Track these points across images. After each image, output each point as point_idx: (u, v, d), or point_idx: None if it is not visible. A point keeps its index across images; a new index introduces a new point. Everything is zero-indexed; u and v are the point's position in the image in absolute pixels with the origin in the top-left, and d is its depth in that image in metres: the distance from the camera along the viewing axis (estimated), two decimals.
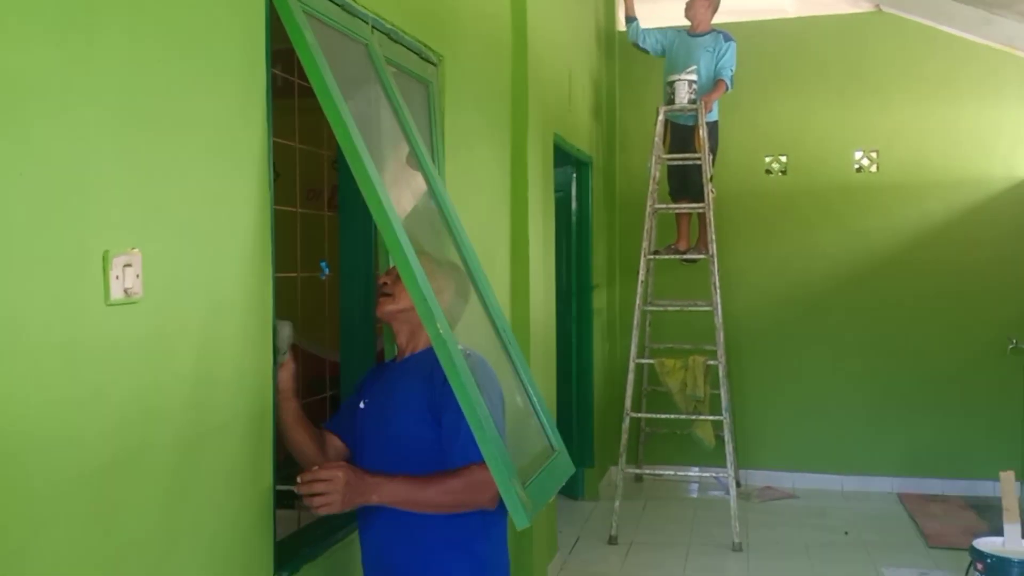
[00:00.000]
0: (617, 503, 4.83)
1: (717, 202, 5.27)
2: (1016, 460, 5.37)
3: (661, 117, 5.11)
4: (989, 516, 4.89)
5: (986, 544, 3.50)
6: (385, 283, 2.04)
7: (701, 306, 5.14)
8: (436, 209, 2.37)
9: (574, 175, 5.41)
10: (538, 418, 2.28)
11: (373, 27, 2.30)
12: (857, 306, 5.86)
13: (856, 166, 5.89)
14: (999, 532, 3.53)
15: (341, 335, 2.48)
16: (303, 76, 1.92)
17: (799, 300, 5.96)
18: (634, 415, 5.10)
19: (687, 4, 5.30)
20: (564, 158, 4.92)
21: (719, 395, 4.94)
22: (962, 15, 5.15)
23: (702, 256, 5.17)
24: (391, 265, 2.06)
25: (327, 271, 2.25)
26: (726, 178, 5.79)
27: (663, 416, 5.31)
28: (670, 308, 5.36)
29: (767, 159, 6.03)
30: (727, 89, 5.16)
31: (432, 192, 2.36)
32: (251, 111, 1.77)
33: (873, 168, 5.86)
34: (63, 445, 1.26)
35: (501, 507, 1.88)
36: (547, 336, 4.13)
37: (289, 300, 2.23)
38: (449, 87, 2.85)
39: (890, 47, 5.79)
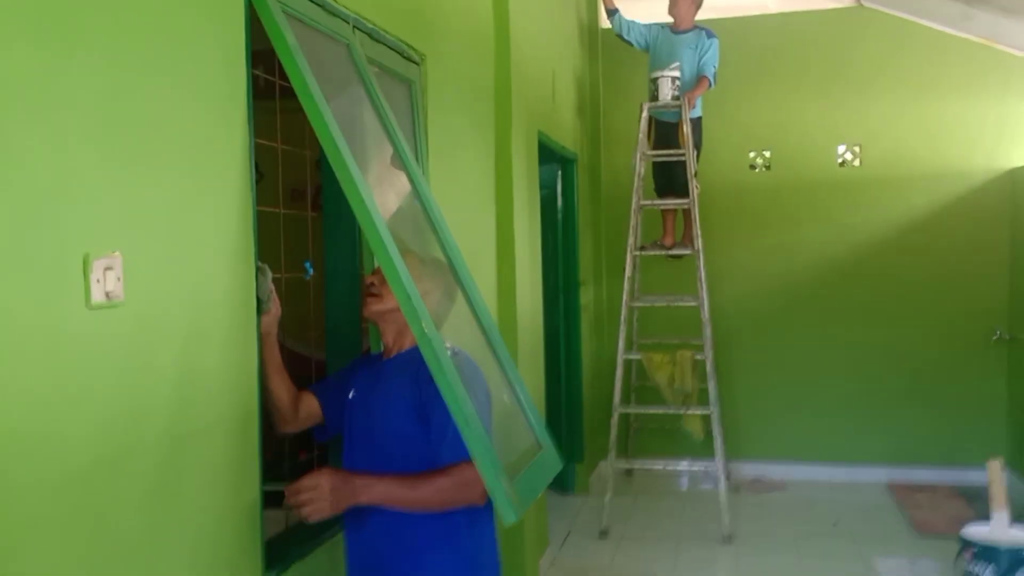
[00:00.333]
0: (607, 497, 4.85)
1: (702, 197, 5.29)
2: (1003, 448, 5.43)
3: (645, 114, 5.13)
4: (977, 504, 4.94)
5: (975, 531, 3.54)
6: (372, 283, 2.05)
7: (688, 301, 5.17)
8: (420, 208, 2.38)
9: (559, 172, 5.43)
10: (525, 415, 2.29)
11: (355, 27, 2.31)
12: (843, 298, 5.91)
13: (839, 160, 5.94)
14: (987, 519, 3.57)
15: (326, 335, 2.49)
16: (285, 77, 1.93)
17: (785, 293, 6.00)
18: (623, 410, 5.13)
19: (671, 2, 5.32)
20: (549, 155, 4.94)
21: (707, 389, 4.97)
22: (942, 10, 5.20)
23: (688, 252, 5.20)
24: (377, 265, 2.08)
25: (311, 271, 2.26)
26: (711, 174, 5.82)
27: (652, 411, 5.34)
28: (657, 304, 5.39)
29: (751, 154, 6.07)
30: (710, 86, 5.19)
31: (416, 191, 2.37)
32: (232, 112, 1.77)
33: (856, 162, 5.90)
34: (47, 445, 1.26)
35: (490, 504, 1.90)
36: (534, 333, 4.15)
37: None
38: (432, 86, 2.87)
39: (872, 42, 5.83)
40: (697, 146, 5.18)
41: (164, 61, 1.55)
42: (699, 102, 5.21)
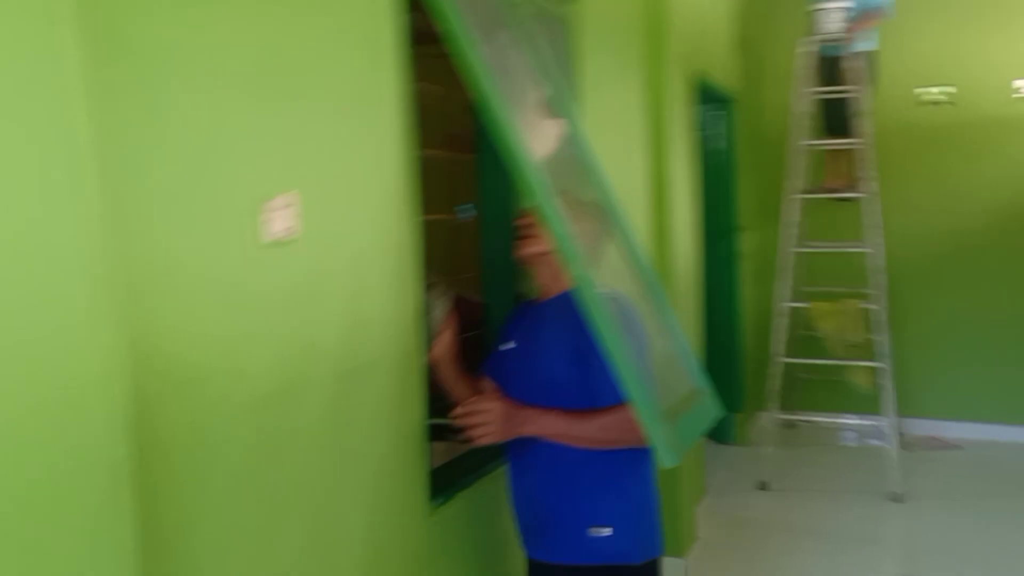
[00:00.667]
0: (768, 449, 4.72)
1: (876, 135, 4.96)
2: None
3: (810, 48, 4.84)
4: None
5: None
6: (525, 225, 2.04)
7: (854, 247, 4.89)
8: (574, 150, 2.35)
9: (718, 113, 5.24)
10: (683, 361, 2.25)
11: None
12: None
13: (1018, 95, 5.38)
14: None
15: (482, 277, 2.53)
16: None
17: (962, 238, 5.56)
18: (784, 360, 4.95)
19: None
20: (706, 95, 4.76)
21: (876, 341, 4.71)
22: None
23: (857, 195, 4.90)
24: (530, 206, 2.07)
25: (472, 213, 2.29)
26: (883, 111, 5.44)
27: (816, 362, 5.11)
28: (822, 250, 5.13)
29: (928, 90, 5.61)
30: (886, 16, 4.81)
31: (569, 132, 2.34)
32: (390, 56, 1.81)
33: None
34: (228, 377, 1.35)
35: (649, 448, 1.88)
36: (691, 279, 4.06)
37: (434, 243, 2.29)
38: (586, 24, 2.81)
39: None
40: (870, 81, 4.84)
41: (316, 20, 1.57)
42: (873, 34, 4.85)
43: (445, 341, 2.03)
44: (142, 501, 1.10)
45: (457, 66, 1.90)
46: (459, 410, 1.84)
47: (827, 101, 5.00)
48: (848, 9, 4.75)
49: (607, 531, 1.90)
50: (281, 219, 1.44)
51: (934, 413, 5.64)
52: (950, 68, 5.52)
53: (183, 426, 1.26)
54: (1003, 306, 5.50)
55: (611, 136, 3.09)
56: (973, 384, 5.57)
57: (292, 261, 1.49)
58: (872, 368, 4.78)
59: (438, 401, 2.06)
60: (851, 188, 5.03)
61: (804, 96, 4.88)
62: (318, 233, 1.55)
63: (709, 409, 2.18)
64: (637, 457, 1.96)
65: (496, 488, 2.20)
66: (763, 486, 4.68)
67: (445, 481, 2.04)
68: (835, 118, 5.01)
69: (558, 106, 2.31)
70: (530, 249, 2.02)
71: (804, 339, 5.61)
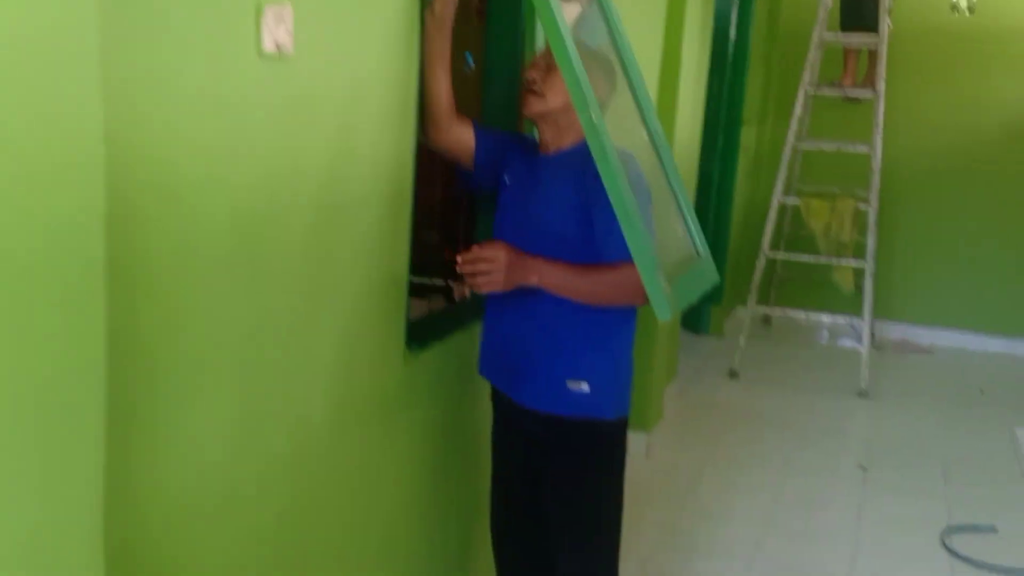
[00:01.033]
0: (742, 339, 4.80)
1: (892, 38, 4.82)
2: None
3: None
4: None
5: None
6: (534, 80, 1.96)
7: (858, 148, 4.83)
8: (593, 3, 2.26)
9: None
10: (686, 224, 2.23)
11: None
12: None
13: None
14: None
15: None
16: None
17: (967, 150, 5.51)
18: (771, 255, 4.97)
19: None
20: None
21: (865, 242, 4.72)
22: None
23: (868, 95, 4.80)
24: (536, 56, 2.00)
25: (472, 64, 2.22)
26: (906, 10, 5.27)
27: (802, 259, 5.13)
28: (825, 148, 5.07)
29: None
30: None
31: None
32: None
33: None
34: (216, 188, 1.32)
35: (634, 310, 1.88)
36: (689, 166, 4.01)
37: None
38: None
39: None
40: None
41: None
42: None
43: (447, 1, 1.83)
44: (116, 303, 1.09)
45: None
46: (463, 256, 1.81)
47: None
48: None
49: (584, 386, 1.93)
50: (273, 34, 1.38)
51: (911, 318, 5.74)
52: None
53: (164, 233, 1.24)
54: (992, 221, 5.52)
55: (626, 7, 2.97)
56: (951, 292, 5.65)
57: (284, 79, 1.43)
58: (856, 269, 4.81)
59: (424, 259, 2.03)
60: (863, 88, 4.92)
61: None
62: (313, 53, 1.49)
63: (707, 273, 2.18)
64: (622, 316, 1.97)
65: (472, 342, 2.22)
66: (733, 375, 4.78)
67: (423, 330, 2.06)
68: (858, 13, 4.85)
69: None
70: (539, 107, 1.95)
71: (793, 236, 5.62)
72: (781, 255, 5.33)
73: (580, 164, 1.86)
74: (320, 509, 1.70)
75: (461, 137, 2.02)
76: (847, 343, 5.45)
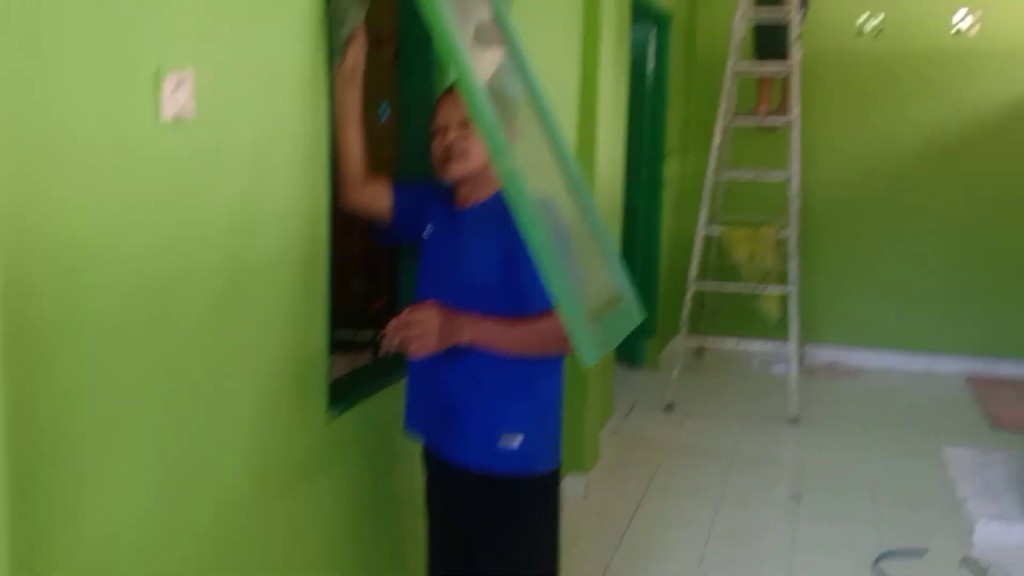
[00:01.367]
0: (675, 372, 4.82)
1: (803, 64, 4.96)
2: None
3: None
4: None
5: None
6: (453, 141, 1.90)
7: (777, 176, 4.94)
8: (511, 60, 2.24)
9: (652, 31, 5.14)
10: (608, 265, 2.22)
11: None
12: (942, 181, 5.58)
13: (955, 28, 5.45)
14: None
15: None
16: None
17: (882, 172, 5.69)
18: (699, 286, 5.02)
19: None
20: (642, 12, 4.66)
21: (788, 269, 4.80)
22: None
23: (782, 122, 4.92)
24: (440, 119, 1.94)
25: (386, 114, 2.18)
26: (816, 38, 5.44)
27: (729, 289, 5.20)
28: (744, 177, 5.16)
29: (862, 18, 5.61)
30: None
31: (500, 33, 2.23)
32: None
33: (975, 30, 5.41)
34: (115, 257, 1.26)
35: (562, 356, 1.85)
36: (613, 202, 4.02)
37: None
38: None
39: None
40: (804, 6, 4.81)
41: None
42: None
43: (358, 51, 1.83)
44: (12, 382, 1.07)
45: None
46: (394, 322, 1.76)
47: (763, 25, 4.96)
48: None
49: (516, 440, 1.88)
50: (175, 98, 1.32)
51: (838, 340, 5.85)
52: None
53: (61, 306, 1.18)
54: (910, 242, 5.68)
55: (541, 46, 2.98)
56: (875, 313, 5.78)
57: (185, 143, 1.37)
58: (781, 296, 4.89)
59: (348, 311, 1.98)
60: (778, 115, 5.04)
61: (742, 17, 4.82)
62: (217, 115, 1.44)
63: (632, 312, 2.17)
64: (549, 364, 1.95)
65: (397, 399, 2.16)
66: (669, 408, 4.79)
67: (346, 390, 1.99)
68: (769, 42, 4.98)
69: (500, 22, 2.19)
70: (461, 170, 1.90)
71: (719, 266, 5.70)
72: (710, 285, 5.38)
73: (499, 215, 1.83)
74: None
75: (376, 195, 1.99)
76: (779, 369, 5.53)
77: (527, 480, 1.92)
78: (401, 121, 2.37)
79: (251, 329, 1.60)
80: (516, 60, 2.19)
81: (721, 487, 3.83)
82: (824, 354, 5.84)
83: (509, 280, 1.85)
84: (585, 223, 2.21)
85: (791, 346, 4.72)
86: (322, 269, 1.83)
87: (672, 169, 5.63)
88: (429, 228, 2.00)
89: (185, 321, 1.42)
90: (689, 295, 4.92)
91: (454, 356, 1.88)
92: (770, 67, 4.93)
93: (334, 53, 1.78)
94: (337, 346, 2.00)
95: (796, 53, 4.70)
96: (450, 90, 1.94)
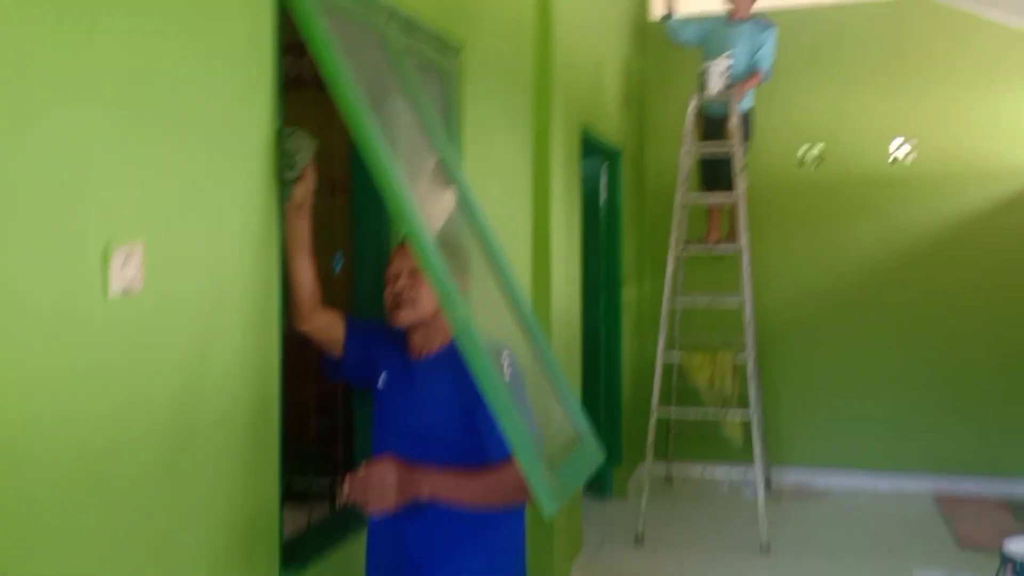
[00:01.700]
0: (643, 502, 4.75)
1: (750, 193, 5.16)
2: None
3: (693, 106, 5.00)
4: None
5: (1016, 547, 3.38)
6: (403, 289, 1.93)
7: (731, 301, 5.03)
8: (456, 202, 2.31)
9: (603, 165, 5.33)
10: (564, 406, 2.22)
11: (389, 16, 2.25)
12: (893, 300, 5.72)
13: (893, 156, 5.73)
14: None
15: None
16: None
17: (833, 294, 5.83)
18: (661, 413, 5.02)
19: None
20: (592, 148, 4.84)
21: (748, 392, 4.83)
22: (1004, 0, 4.98)
23: (732, 249, 5.06)
24: (392, 266, 1.97)
25: (340, 265, 2.21)
26: (760, 168, 5.68)
27: (691, 415, 5.20)
28: (699, 303, 5.26)
29: (802, 149, 5.89)
30: (762, 79, 5.04)
31: (450, 180, 2.30)
32: (258, 101, 1.73)
33: (911, 158, 5.69)
34: (61, 430, 1.25)
35: (523, 505, 1.83)
36: (570, 330, 4.07)
37: None
38: (469, 75, 2.80)
39: (930, 34, 5.63)
40: (746, 139, 5.04)
41: (189, 47, 1.51)
42: (750, 94, 5.07)
43: (308, 187, 1.84)
44: None
45: (347, 126, 1.83)
46: (351, 481, 1.73)
47: (709, 158, 5.17)
48: (728, 70, 4.94)
49: None
50: (122, 273, 1.32)
51: (804, 461, 5.83)
52: (827, 129, 5.82)
53: (4, 483, 1.14)
54: (867, 361, 5.76)
55: (493, 185, 3.08)
56: (838, 432, 5.79)
57: (133, 314, 1.37)
58: (744, 420, 4.90)
59: (295, 462, 1.94)
60: (728, 242, 5.19)
61: (688, 152, 5.03)
62: (166, 284, 1.45)
63: (591, 454, 2.15)
64: (512, 513, 1.92)
65: (355, 552, 2.09)
66: (638, 540, 4.69)
67: (301, 548, 1.93)
68: (714, 174, 5.18)
69: (438, 153, 2.27)
70: (410, 317, 1.92)
71: (681, 391, 5.72)
72: (672, 412, 5.39)
73: (454, 365, 1.84)
74: None
75: (329, 325, 1.99)
76: (747, 494, 5.47)
77: None
78: (354, 271, 2.40)
79: (199, 491, 1.56)
80: (466, 203, 2.26)
81: None
82: (791, 476, 5.81)
83: (468, 433, 1.84)
84: (539, 363, 2.22)
85: (757, 471, 4.69)
86: (273, 423, 1.81)
87: (630, 294, 5.72)
88: (383, 377, 1.99)
89: (130, 487, 1.39)
90: (652, 421, 4.91)
91: (414, 510, 1.84)
92: (717, 198, 5.11)
93: (284, 192, 1.81)
94: (292, 496, 1.94)
95: (741, 184, 4.89)
96: (403, 242, 1.98)
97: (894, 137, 5.71)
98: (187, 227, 1.52)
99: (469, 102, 2.79)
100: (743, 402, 4.97)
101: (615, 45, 5.28)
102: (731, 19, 5.16)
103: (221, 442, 1.62)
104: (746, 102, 5.04)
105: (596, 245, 5.24)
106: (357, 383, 2.10)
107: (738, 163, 4.89)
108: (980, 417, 5.57)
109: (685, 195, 5.06)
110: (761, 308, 5.60)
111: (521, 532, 1.99)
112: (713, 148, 5.04)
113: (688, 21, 5.30)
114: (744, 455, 5.16)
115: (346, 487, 1.73)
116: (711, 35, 5.20)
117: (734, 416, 4.92)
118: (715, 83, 4.94)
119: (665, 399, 5.32)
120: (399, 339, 2.04)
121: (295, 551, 1.91)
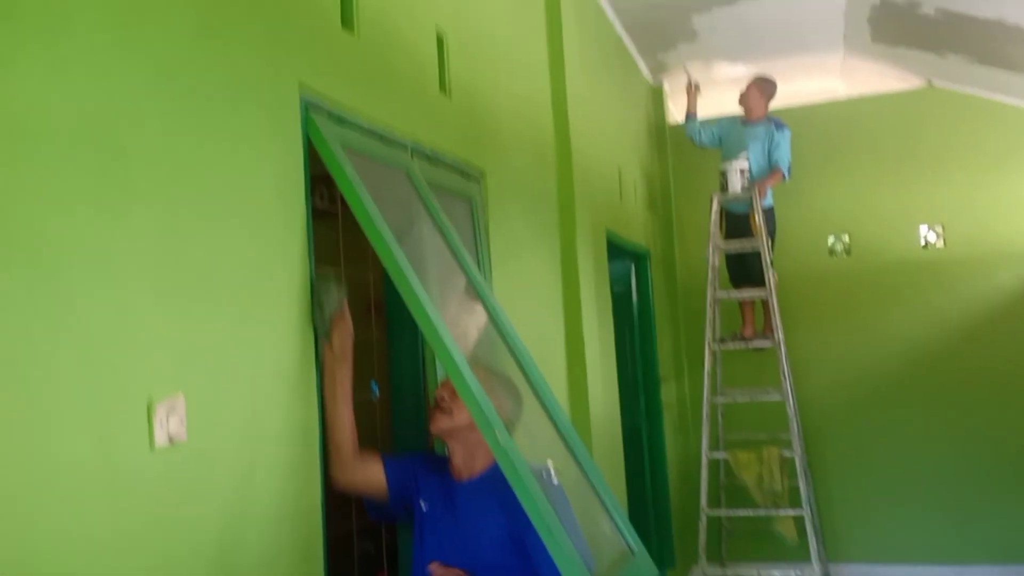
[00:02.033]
0: None
1: (780, 286, 5.17)
2: None
3: (715, 205, 5.09)
4: None
5: None
6: (442, 398, 2.00)
7: (772, 395, 4.98)
8: (488, 320, 2.38)
9: (632, 267, 5.40)
10: (613, 520, 2.21)
11: (412, 152, 2.37)
12: (936, 385, 5.62)
13: (922, 242, 5.74)
14: None
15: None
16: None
17: (875, 382, 5.74)
18: (711, 512, 4.91)
19: (741, 93, 5.33)
20: (619, 252, 4.92)
21: (798, 488, 4.73)
22: (1018, 84, 5.06)
23: (768, 343, 5.04)
24: (444, 378, 2.05)
25: (377, 392, 2.26)
26: (788, 261, 5.70)
27: (741, 513, 5.09)
28: (739, 399, 5.21)
29: (830, 240, 5.92)
30: (784, 179, 5.13)
31: (482, 304, 2.37)
32: (290, 246, 1.81)
33: (940, 243, 5.70)
34: None
35: None
36: (611, 434, 4.04)
37: None
38: (493, 198, 2.90)
39: (946, 121, 5.70)
40: (771, 235, 5.09)
41: (220, 204, 1.60)
42: (769, 192, 5.15)
43: (344, 332, 1.84)
44: None
45: (377, 255, 1.92)
46: None
47: (735, 254, 5.22)
48: (745, 170, 5.05)
49: None
50: (164, 428, 1.39)
51: (863, 557, 5.63)
52: (854, 218, 5.86)
53: None
54: (918, 447, 5.62)
55: (525, 301, 3.14)
56: (897, 525, 5.61)
57: (178, 465, 1.42)
58: (797, 516, 4.77)
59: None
60: (763, 337, 5.17)
61: (714, 249, 5.09)
62: (209, 432, 1.50)
63: (644, 569, 2.12)
64: None
65: None
66: None
67: None
68: (743, 270, 5.22)
69: (469, 278, 2.35)
70: (445, 424, 1.98)
71: (729, 489, 5.61)
72: (722, 512, 5.27)
73: (499, 490, 1.85)
74: None
75: (370, 475, 2.01)
76: None
77: None
78: (392, 397, 2.45)
79: None
80: (496, 322, 2.32)
81: None
82: (851, 572, 5.60)
83: (519, 561, 1.84)
84: (583, 477, 2.23)
85: (815, 568, 4.55)
86: (318, 560, 1.83)
87: (670, 392, 5.69)
88: (424, 503, 2.01)
89: None
90: (703, 523, 4.80)
91: None
92: (747, 292, 5.13)
93: (319, 335, 1.86)
94: None
95: (771, 278, 4.91)
96: None
97: (920, 223, 5.73)
98: (228, 375, 1.58)
99: (494, 223, 2.89)
100: (794, 498, 4.85)
101: (636, 150, 5.43)
102: (745, 120, 5.30)
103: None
104: (766, 200, 5.13)
105: (632, 346, 5.26)
106: (401, 519, 2.13)
107: (766, 257, 4.93)
108: None
109: (716, 292, 5.09)
110: (802, 399, 5.52)
111: None
112: (739, 244, 5.10)
113: (706, 123, 5.45)
114: (800, 553, 5.00)
115: None
116: (727, 135, 5.33)
117: (786, 513, 4.80)
118: (735, 182, 5.03)
119: (714, 498, 5.22)
120: (440, 464, 2.07)
121: None
